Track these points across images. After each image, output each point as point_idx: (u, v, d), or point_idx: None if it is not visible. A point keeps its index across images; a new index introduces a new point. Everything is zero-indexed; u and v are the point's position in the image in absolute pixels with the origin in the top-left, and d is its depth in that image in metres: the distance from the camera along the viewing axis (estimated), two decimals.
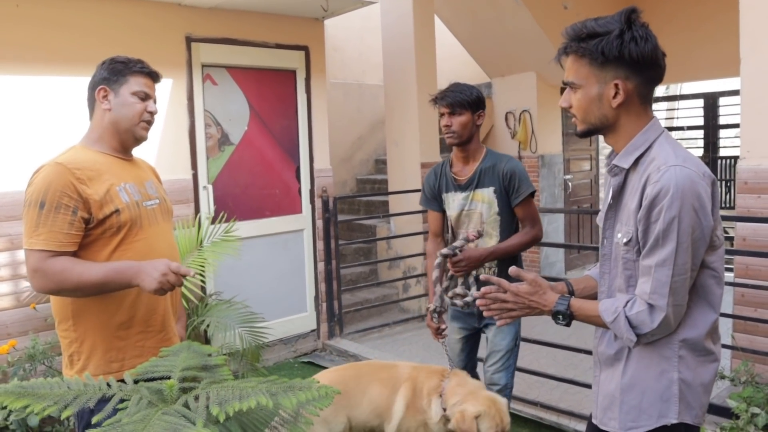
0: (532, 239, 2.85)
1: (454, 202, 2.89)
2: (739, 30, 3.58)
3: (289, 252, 5.21)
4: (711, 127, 7.72)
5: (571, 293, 1.87)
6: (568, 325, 1.73)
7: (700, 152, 8.21)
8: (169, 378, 1.66)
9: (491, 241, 2.85)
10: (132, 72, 2.13)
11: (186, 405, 1.56)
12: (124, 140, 2.16)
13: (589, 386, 3.64)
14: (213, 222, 4.56)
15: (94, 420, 1.50)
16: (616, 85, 1.61)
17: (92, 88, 2.15)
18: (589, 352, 3.59)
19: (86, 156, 2.08)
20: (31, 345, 3.63)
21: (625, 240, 1.65)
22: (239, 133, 4.89)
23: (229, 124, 4.84)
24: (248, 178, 4.95)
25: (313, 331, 5.36)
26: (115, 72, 2.12)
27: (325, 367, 4.88)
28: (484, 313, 1.78)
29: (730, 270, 7.91)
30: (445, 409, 2.54)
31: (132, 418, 1.46)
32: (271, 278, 5.09)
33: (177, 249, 2.36)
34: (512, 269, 1.76)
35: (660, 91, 14.70)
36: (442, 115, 2.84)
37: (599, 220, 1.81)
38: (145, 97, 2.15)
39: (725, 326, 3.64)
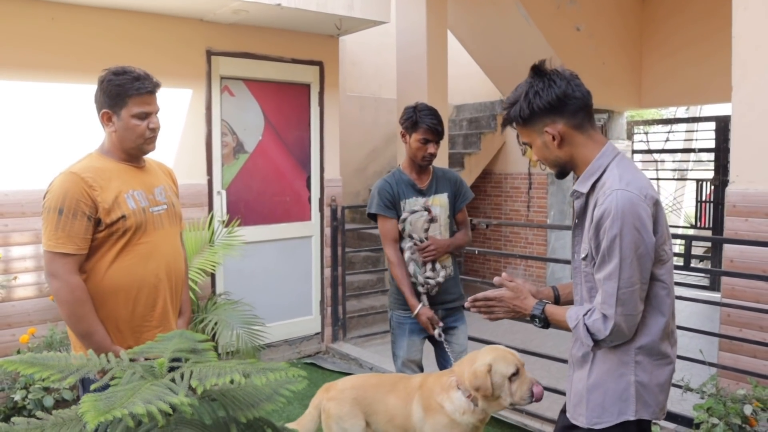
0: (469, 240, 3.32)
1: (414, 207, 3.11)
2: (732, 59, 3.71)
3: (298, 257, 5.44)
4: (722, 150, 7.77)
5: (557, 297, 2.14)
6: (545, 327, 1.98)
7: (711, 174, 8.27)
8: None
9: None
10: (130, 95, 2.23)
11: (173, 380, 1.77)
12: (132, 154, 2.35)
13: None
14: (226, 226, 4.81)
15: (92, 387, 1.72)
16: (547, 132, 1.85)
17: (98, 109, 2.30)
18: None
19: (99, 164, 2.27)
20: (49, 334, 3.90)
21: (583, 255, 1.86)
22: (254, 142, 5.15)
23: (244, 133, 5.10)
24: (260, 185, 5.20)
25: (317, 334, 5.57)
26: (113, 96, 2.23)
27: (327, 369, 5.08)
28: (472, 311, 2.09)
29: (705, 288, 7.86)
30: (469, 395, 2.53)
31: (124, 387, 1.68)
32: (279, 281, 5.32)
33: (182, 252, 2.54)
34: (497, 279, 2.06)
35: (680, 112, 14.72)
36: (426, 141, 3.08)
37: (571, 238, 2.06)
38: (146, 115, 2.28)
39: (712, 345, 3.77)
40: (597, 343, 1.82)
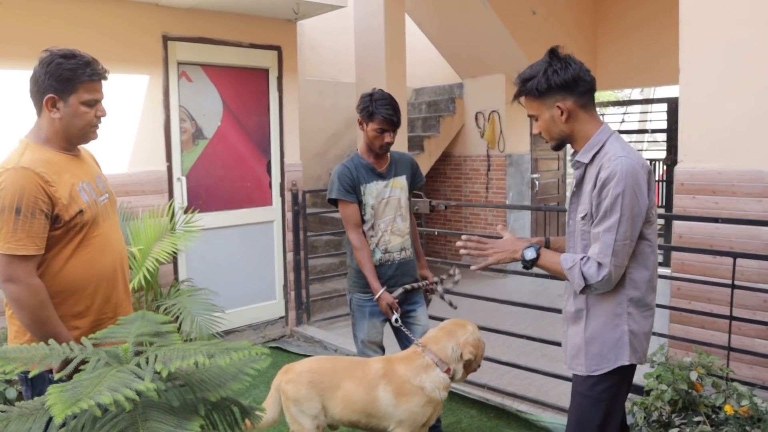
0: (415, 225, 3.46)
1: (375, 190, 3.16)
2: (679, 42, 3.83)
3: (260, 242, 5.45)
4: (674, 131, 8.00)
5: (548, 244, 2.40)
6: (529, 267, 2.18)
7: (663, 155, 8.52)
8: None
9: (407, 223, 3.27)
10: (81, 81, 2.12)
11: (138, 365, 1.80)
12: (75, 142, 2.24)
13: (538, 372, 3.96)
14: (186, 212, 4.79)
15: (56, 377, 1.73)
16: (558, 107, 2.09)
17: (39, 93, 2.13)
18: (542, 341, 3.92)
19: (44, 156, 2.11)
20: None
21: (582, 215, 2.11)
22: (213, 128, 5.12)
23: (203, 119, 5.06)
24: (221, 171, 5.18)
25: (281, 318, 5.61)
26: (63, 81, 2.10)
27: (292, 353, 5.13)
28: (461, 252, 2.24)
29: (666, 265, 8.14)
30: (447, 369, 2.72)
31: (89, 375, 1.70)
32: (242, 266, 5.33)
33: (123, 239, 2.44)
34: (499, 227, 2.35)
35: (635, 94, 15.08)
36: (382, 131, 3.10)
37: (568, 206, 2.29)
38: (95, 103, 2.17)
39: (663, 317, 3.92)
40: (584, 289, 2.07)
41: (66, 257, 2.13)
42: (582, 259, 2.06)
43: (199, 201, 5.01)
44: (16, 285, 2.01)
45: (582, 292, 2.09)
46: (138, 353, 1.88)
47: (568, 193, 8.74)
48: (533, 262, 2.16)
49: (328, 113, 7.94)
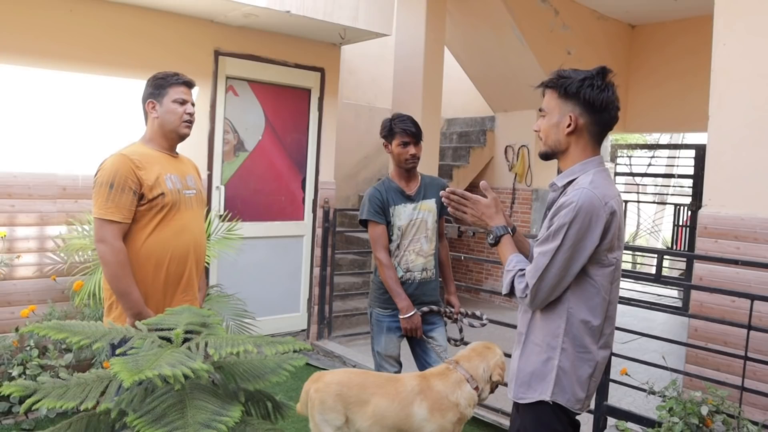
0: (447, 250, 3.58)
1: (404, 212, 3.30)
2: (709, 91, 3.96)
3: (289, 255, 5.63)
4: (700, 177, 8.07)
5: (514, 232, 2.25)
6: (491, 246, 2.15)
7: (689, 200, 8.58)
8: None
9: (433, 245, 3.36)
10: (170, 84, 2.67)
11: (189, 349, 1.95)
12: (171, 139, 2.72)
13: None
14: (223, 220, 4.98)
15: (118, 351, 1.90)
16: (570, 117, 2.00)
17: (143, 102, 2.70)
18: None
19: (143, 150, 2.64)
20: (48, 312, 4.04)
21: (539, 239, 2.05)
22: (254, 141, 5.34)
23: (246, 132, 5.29)
24: (258, 184, 5.39)
25: (303, 330, 5.75)
26: (157, 87, 2.67)
27: (312, 366, 5.25)
28: (445, 201, 2.18)
29: (677, 308, 8.06)
30: (476, 387, 2.82)
31: (146, 353, 1.86)
32: (269, 277, 5.50)
33: (205, 233, 2.88)
34: (483, 183, 2.22)
35: (664, 138, 15.12)
36: (406, 144, 3.26)
37: None
38: (183, 102, 2.69)
39: (678, 357, 3.99)
40: (508, 295, 2.07)
41: (148, 233, 2.57)
42: (521, 271, 2.03)
43: (235, 210, 5.21)
44: (104, 245, 2.47)
45: (506, 296, 2.09)
46: (186, 340, 2.04)
47: None
48: (495, 244, 2.14)
49: (362, 136, 8.14)
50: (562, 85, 2.01)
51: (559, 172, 2.15)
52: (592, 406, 3.74)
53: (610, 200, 1.95)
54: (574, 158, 2.06)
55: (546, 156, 2.15)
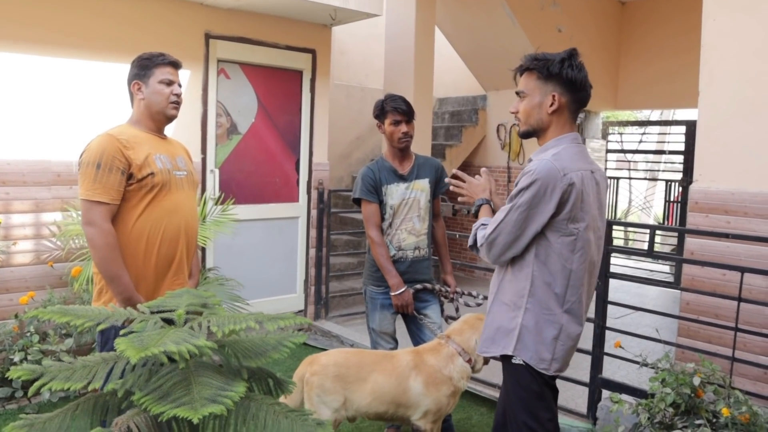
0: (444, 231, 3.63)
1: (396, 192, 3.33)
2: (700, 65, 3.98)
3: (284, 237, 5.66)
4: (691, 153, 8.12)
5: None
6: (474, 215, 2.37)
7: (679, 176, 8.65)
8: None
9: (425, 224, 3.40)
10: (156, 64, 2.59)
11: (191, 328, 1.99)
12: (158, 120, 2.64)
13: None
14: (217, 203, 5.00)
15: (121, 333, 1.93)
16: (554, 96, 2.14)
17: (128, 83, 2.63)
18: None
19: (130, 131, 2.56)
20: (47, 298, 4.07)
21: None
22: (247, 124, 5.34)
23: (238, 115, 5.29)
24: (252, 166, 5.40)
25: (300, 311, 5.80)
26: (143, 67, 2.59)
27: (310, 345, 5.31)
28: (449, 183, 2.49)
29: (669, 284, 8.14)
30: (469, 359, 2.89)
31: (150, 332, 1.89)
32: (265, 259, 5.54)
33: (197, 214, 2.82)
34: (483, 169, 2.49)
35: (655, 115, 15.16)
36: (397, 123, 3.29)
37: None
38: (170, 82, 2.60)
39: (671, 330, 4.04)
40: (471, 247, 2.26)
41: (138, 213, 2.50)
42: (483, 224, 2.23)
43: (229, 193, 5.22)
44: (92, 227, 2.40)
45: (471, 248, 2.26)
46: (187, 321, 2.08)
47: None
48: (476, 214, 2.35)
49: (354, 117, 8.14)
50: (544, 66, 2.13)
51: None
52: (587, 378, 3.82)
53: (571, 173, 2.07)
54: (552, 134, 2.19)
55: (527, 135, 2.26)
